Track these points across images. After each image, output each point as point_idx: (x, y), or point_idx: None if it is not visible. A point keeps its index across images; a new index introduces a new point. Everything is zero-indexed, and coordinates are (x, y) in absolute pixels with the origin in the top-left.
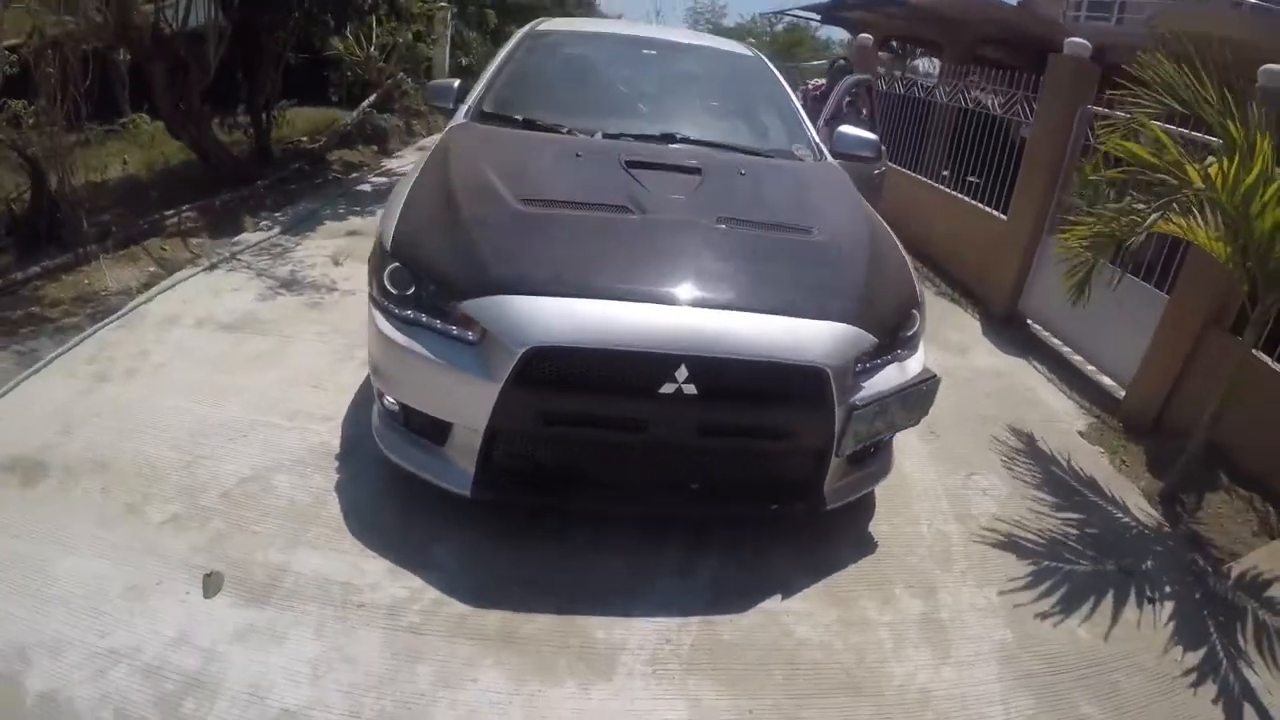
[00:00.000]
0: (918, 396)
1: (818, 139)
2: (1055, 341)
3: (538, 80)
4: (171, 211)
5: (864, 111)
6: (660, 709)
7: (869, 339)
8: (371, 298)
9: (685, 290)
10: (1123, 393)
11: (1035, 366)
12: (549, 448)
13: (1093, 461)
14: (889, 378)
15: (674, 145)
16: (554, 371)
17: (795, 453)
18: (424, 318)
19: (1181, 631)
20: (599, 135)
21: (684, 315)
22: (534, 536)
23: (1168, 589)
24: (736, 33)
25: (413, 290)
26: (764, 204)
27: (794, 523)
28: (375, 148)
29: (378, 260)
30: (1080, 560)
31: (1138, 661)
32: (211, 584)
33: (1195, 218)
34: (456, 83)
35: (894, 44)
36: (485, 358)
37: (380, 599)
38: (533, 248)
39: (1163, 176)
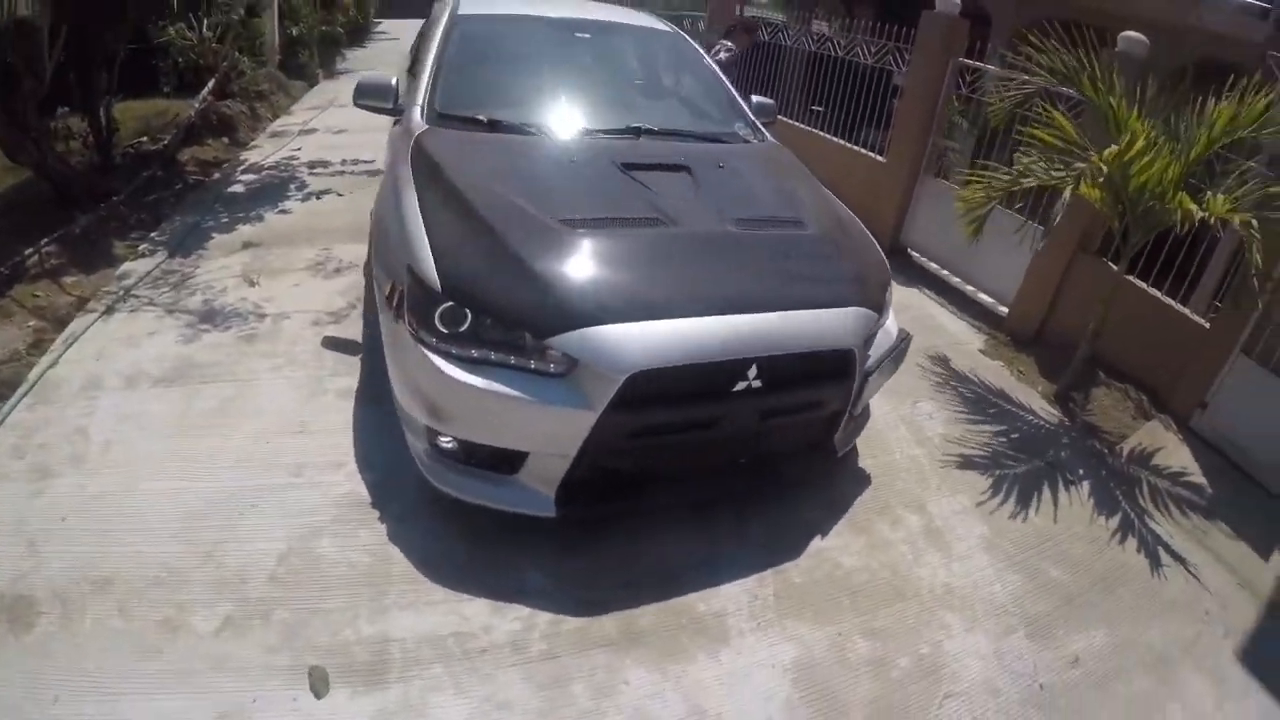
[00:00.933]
0: (901, 354)
1: (751, 114)
2: (934, 267)
3: (483, 74)
4: (30, 249)
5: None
6: (778, 653)
7: (873, 316)
8: (419, 340)
9: (746, 298)
10: (1003, 309)
11: (927, 294)
12: (628, 457)
13: (997, 374)
14: (882, 343)
15: (643, 139)
16: (648, 390)
17: (822, 418)
18: (492, 355)
19: (1099, 503)
20: (572, 134)
21: (753, 322)
22: (603, 539)
23: (1081, 472)
24: None
25: (466, 327)
26: (754, 199)
27: (810, 475)
28: (226, 140)
29: (422, 299)
30: (1016, 461)
31: (1076, 532)
32: (318, 680)
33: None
34: (394, 79)
35: None
36: (577, 387)
37: (499, 638)
38: (600, 274)
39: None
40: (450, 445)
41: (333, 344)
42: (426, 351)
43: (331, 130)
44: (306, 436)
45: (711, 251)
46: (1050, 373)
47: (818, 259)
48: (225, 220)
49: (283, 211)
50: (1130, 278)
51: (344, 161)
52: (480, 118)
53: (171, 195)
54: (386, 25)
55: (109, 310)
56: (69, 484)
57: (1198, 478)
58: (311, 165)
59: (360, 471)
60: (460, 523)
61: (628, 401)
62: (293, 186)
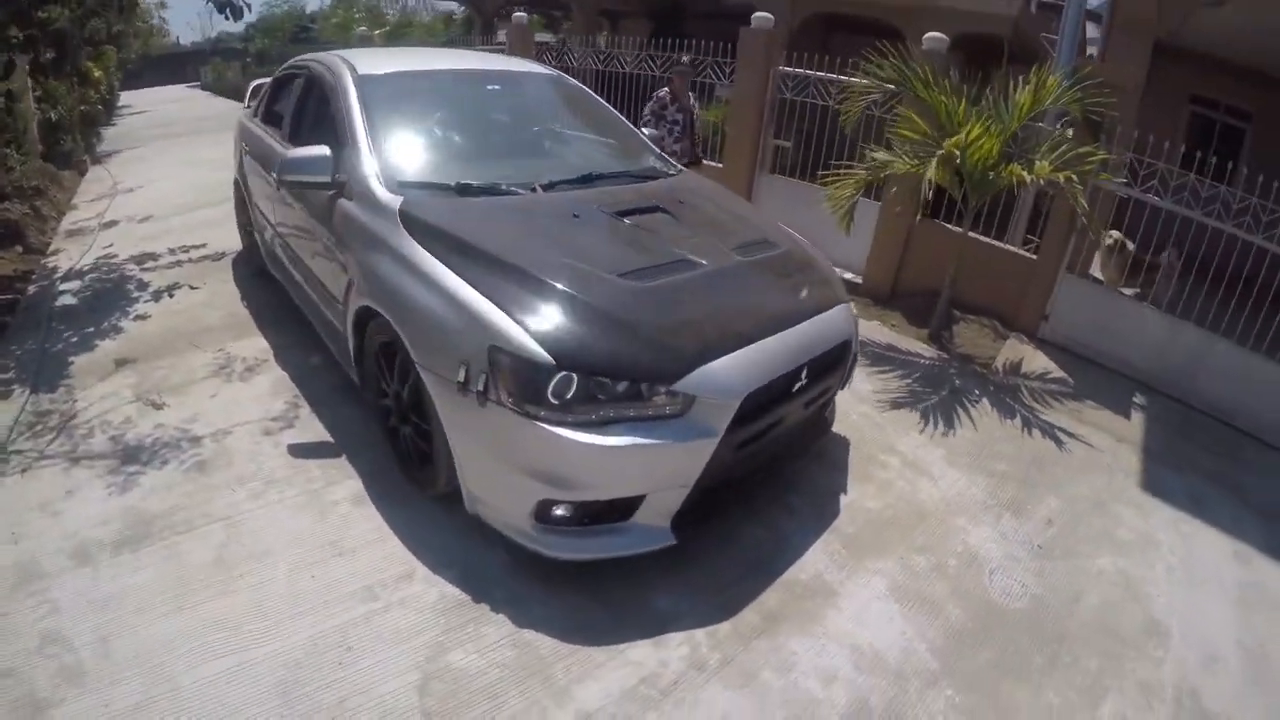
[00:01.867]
0: (856, 331)
1: (657, 149)
2: None
3: (421, 137)
4: None
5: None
6: (874, 586)
7: (850, 305)
8: (530, 416)
9: (786, 314)
10: (851, 275)
11: None
12: (728, 470)
13: (879, 332)
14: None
15: (600, 185)
16: (749, 408)
17: (827, 399)
18: (613, 412)
19: (1000, 411)
20: (538, 189)
21: (800, 331)
22: (696, 551)
23: (976, 391)
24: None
25: (574, 392)
26: (726, 228)
27: (814, 448)
28: (19, 248)
29: (528, 375)
30: (929, 395)
31: (996, 435)
32: None
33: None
34: (326, 151)
35: (520, 13)
36: (698, 420)
37: (677, 667)
38: (688, 317)
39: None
40: (563, 513)
41: (304, 451)
42: (544, 425)
43: (135, 219)
44: (349, 556)
45: (741, 280)
46: (916, 321)
47: (803, 269)
48: (75, 340)
49: (140, 317)
50: (974, 234)
51: (172, 250)
52: (449, 183)
53: None
54: (126, 98)
55: None
56: (85, 709)
57: (1058, 373)
58: (139, 260)
59: (436, 572)
60: (570, 582)
61: (737, 421)
62: (132, 287)
